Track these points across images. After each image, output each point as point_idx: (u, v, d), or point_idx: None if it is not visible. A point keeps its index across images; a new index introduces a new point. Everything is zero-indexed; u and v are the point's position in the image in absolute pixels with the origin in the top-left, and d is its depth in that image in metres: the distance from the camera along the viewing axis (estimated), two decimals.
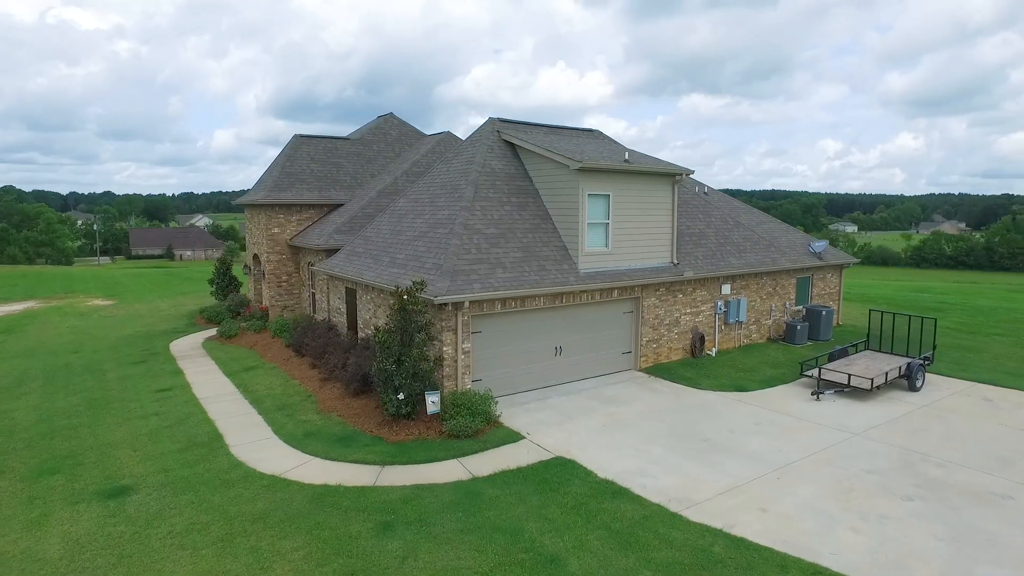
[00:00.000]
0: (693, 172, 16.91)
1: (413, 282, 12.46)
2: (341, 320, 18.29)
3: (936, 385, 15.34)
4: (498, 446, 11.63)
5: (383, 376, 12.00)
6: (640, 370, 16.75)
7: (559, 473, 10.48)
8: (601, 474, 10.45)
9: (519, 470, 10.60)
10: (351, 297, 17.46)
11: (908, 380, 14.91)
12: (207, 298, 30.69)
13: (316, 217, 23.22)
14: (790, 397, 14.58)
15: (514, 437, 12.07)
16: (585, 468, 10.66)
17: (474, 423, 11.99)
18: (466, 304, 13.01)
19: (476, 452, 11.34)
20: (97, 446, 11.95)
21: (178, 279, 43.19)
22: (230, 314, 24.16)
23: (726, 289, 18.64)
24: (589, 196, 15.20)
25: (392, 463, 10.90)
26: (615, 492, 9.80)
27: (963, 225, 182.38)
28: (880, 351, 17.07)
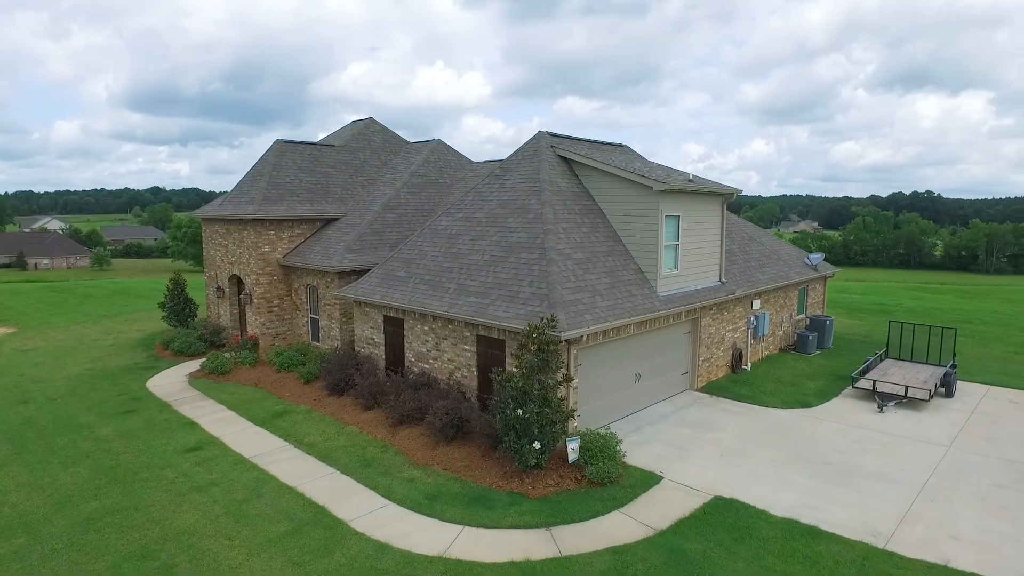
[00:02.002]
0: (742, 191, 17.20)
1: (544, 318, 11.38)
2: (375, 352, 16.48)
3: (961, 390, 16.80)
4: (645, 490, 10.96)
5: (521, 424, 10.82)
6: (697, 390, 16.74)
7: (733, 516, 10.06)
8: (773, 511, 10.18)
9: (693, 517, 10.04)
10: (394, 327, 15.76)
11: (945, 388, 16.19)
12: (152, 323, 26.54)
13: (308, 233, 20.84)
14: (856, 411, 15.24)
15: (651, 478, 11.45)
16: (753, 507, 10.33)
17: (613, 467, 11.21)
18: (583, 338, 12.16)
19: (630, 500, 10.60)
20: (170, 536, 9.65)
21: (75, 296, 36.95)
22: (204, 344, 20.99)
23: (756, 304, 19.20)
24: (666, 218, 14.89)
25: (556, 523, 9.86)
26: (806, 531, 9.56)
27: (816, 224, 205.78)
28: (899, 359, 18.45)
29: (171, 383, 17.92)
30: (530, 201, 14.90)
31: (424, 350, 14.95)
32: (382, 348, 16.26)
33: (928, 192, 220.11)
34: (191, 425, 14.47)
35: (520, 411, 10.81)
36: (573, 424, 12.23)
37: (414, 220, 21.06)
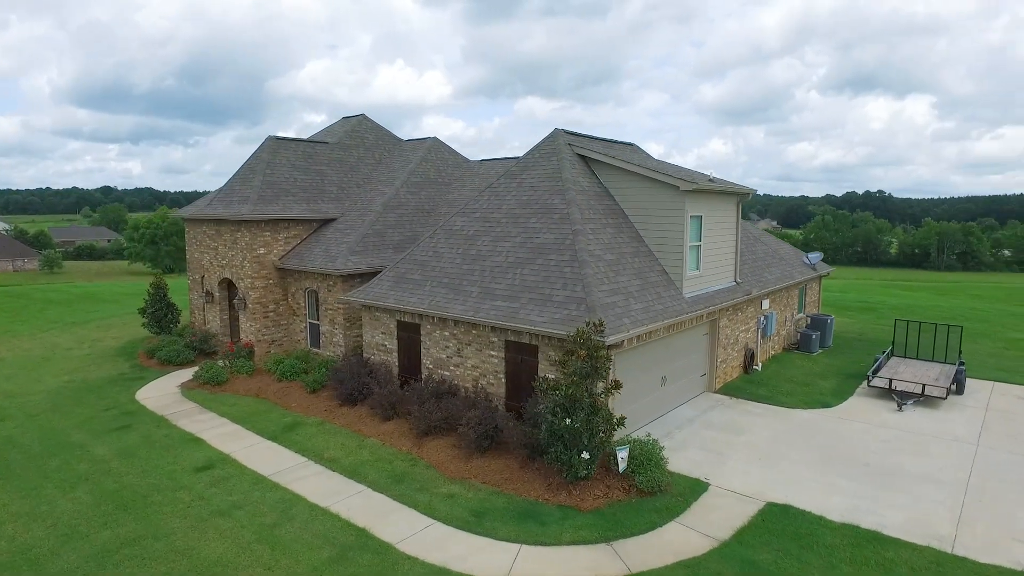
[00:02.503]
0: (757, 191, 17.12)
1: (590, 322, 10.92)
2: (387, 359, 15.74)
3: (968, 387, 17.08)
4: (695, 498, 10.64)
5: (570, 434, 10.33)
6: (715, 391, 16.58)
7: (791, 522, 9.82)
8: (830, 516, 9.99)
9: (752, 525, 9.76)
10: (409, 332, 15.07)
11: (957, 385, 16.44)
12: (129, 329, 24.98)
13: (304, 234, 19.89)
14: (876, 410, 15.29)
15: (697, 485, 11.14)
16: (808, 513, 10.11)
17: (661, 475, 10.85)
18: (624, 343, 11.76)
19: (684, 509, 10.26)
20: (201, 568, 8.82)
21: (36, 302, 34.64)
22: (193, 352, 19.79)
23: (765, 304, 19.21)
24: (690, 218, 14.64)
25: (616, 538, 9.43)
26: (869, 537, 9.38)
27: (775, 223, 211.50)
28: (905, 357, 18.71)
29: (163, 395, 16.77)
30: (553, 201, 14.43)
31: (444, 356, 14.32)
32: (395, 355, 15.54)
33: (880, 191, 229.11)
34: (195, 441, 13.49)
35: (568, 420, 10.34)
36: (621, 432, 11.81)
37: (415, 220, 20.35)
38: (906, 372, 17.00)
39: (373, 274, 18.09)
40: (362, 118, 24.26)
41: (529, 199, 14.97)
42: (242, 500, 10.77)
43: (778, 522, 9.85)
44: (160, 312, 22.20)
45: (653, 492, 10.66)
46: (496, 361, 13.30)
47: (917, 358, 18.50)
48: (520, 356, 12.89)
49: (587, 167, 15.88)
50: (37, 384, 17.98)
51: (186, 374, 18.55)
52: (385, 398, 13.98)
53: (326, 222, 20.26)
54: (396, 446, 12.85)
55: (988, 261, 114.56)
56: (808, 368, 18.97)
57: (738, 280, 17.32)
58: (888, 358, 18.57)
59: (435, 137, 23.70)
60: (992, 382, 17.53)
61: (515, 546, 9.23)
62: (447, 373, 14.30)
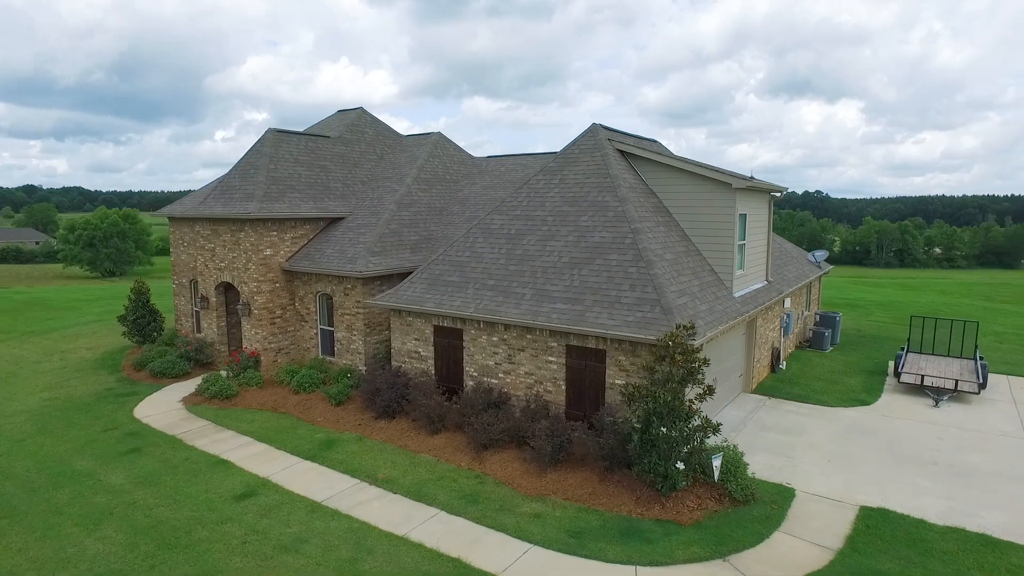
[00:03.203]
0: (789, 189, 17.02)
1: (681, 325, 10.33)
2: (421, 367, 14.72)
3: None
4: (787, 505, 10.24)
5: (666, 443, 9.72)
6: (751, 392, 16.38)
7: (896, 527, 9.54)
8: (930, 519, 9.78)
9: (858, 532, 9.42)
10: (448, 338, 14.12)
11: (983, 380, 16.80)
12: (102, 338, 22.72)
13: (311, 234, 18.54)
14: (912, 406, 15.39)
15: (783, 491, 10.74)
16: (908, 516, 9.87)
17: (750, 483, 10.40)
18: (701, 346, 11.24)
19: (783, 518, 9.84)
20: None
21: None
22: (189, 363, 18.08)
23: (787, 303, 19.21)
24: (738, 216, 14.33)
25: (729, 552, 8.89)
26: (983, 541, 9.18)
27: None
28: (920, 353, 19.08)
29: (166, 412, 15.16)
30: (604, 198, 13.80)
31: (492, 363, 13.46)
32: (430, 362, 14.55)
33: (817, 191, 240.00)
34: (222, 464, 12.14)
35: (664, 429, 9.74)
36: (715, 439, 11.29)
37: (429, 219, 19.33)
38: (928, 368, 17.27)
39: (393, 276, 17.01)
40: (360, 112, 22.96)
41: (576, 196, 14.28)
42: (304, 532, 9.63)
43: (882, 527, 9.55)
44: (143, 319, 20.28)
45: (746, 501, 10.19)
46: (555, 367, 12.56)
47: (933, 353, 18.89)
48: (584, 362, 12.20)
49: (627, 163, 15.34)
50: (11, 403, 15.96)
51: (185, 387, 16.92)
52: (432, 410, 12.99)
53: (333, 221, 18.95)
54: (453, 462, 11.92)
55: (921, 258, 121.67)
56: (828, 365, 19.08)
57: (769, 279, 17.19)
58: (906, 354, 18.88)
59: (439, 132, 22.66)
60: (1005, 376, 18.04)
61: (630, 568, 8.55)
62: (495, 381, 13.45)
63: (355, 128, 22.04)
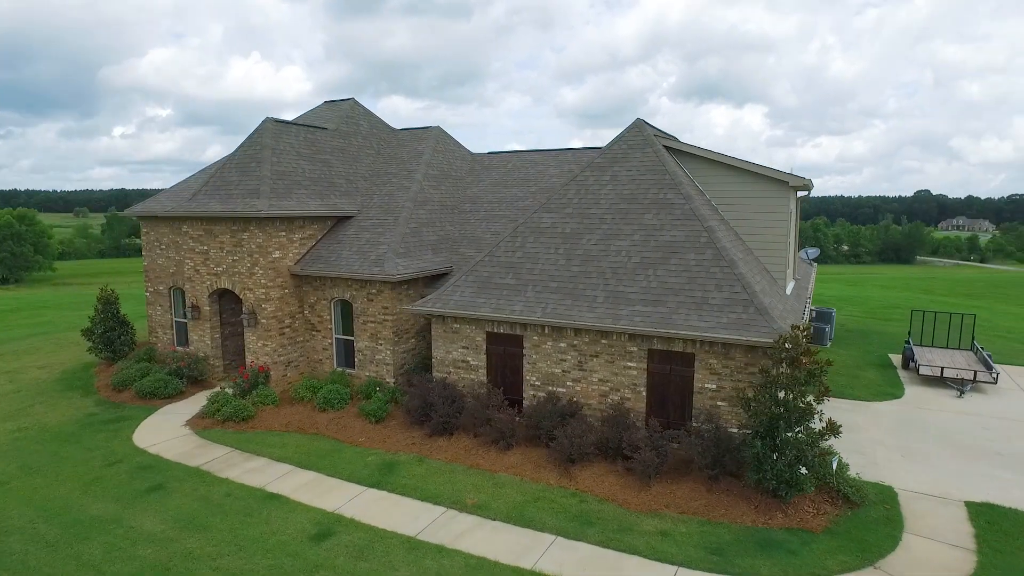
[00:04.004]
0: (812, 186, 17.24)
1: (796, 327, 9.94)
2: (470, 377, 13.63)
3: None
4: (896, 505, 10.09)
5: (792, 448, 9.30)
6: None
7: (1014, 526, 9.59)
8: None
9: (983, 532, 9.36)
10: (504, 346, 13.13)
11: (989, 371, 17.73)
12: (53, 355, 19.67)
13: (319, 234, 16.89)
14: (942, 397, 15.94)
15: (883, 490, 10.60)
16: (1016, 510, 9.97)
17: (860, 484, 10.22)
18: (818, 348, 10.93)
19: (901, 520, 9.68)
20: None
21: None
22: (182, 380, 15.91)
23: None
24: (790, 214, 14.27)
25: (876, 559, 8.60)
26: None
27: None
28: (921, 345, 19.97)
29: (174, 439, 13.19)
30: (667, 195, 13.28)
31: (559, 371, 12.61)
32: (482, 372, 13.50)
33: None
34: (274, 499, 10.59)
35: (790, 434, 9.33)
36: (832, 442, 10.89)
37: (443, 218, 18.14)
38: (936, 360, 18.06)
39: (418, 280, 15.75)
40: (353, 103, 21.28)
41: (633, 193, 13.68)
42: (408, 571, 8.43)
43: (1004, 524, 9.57)
44: (112, 332, 17.76)
45: (860, 503, 9.97)
46: (635, 373, 11.91)
47: (933, 346, 19.82)
48: (668, 366, 11.63)
49: (674, 159, 14.92)
50: None
51: (183, 409, 14.87)
52: (504, 424, 11.97)
53: (340, 220, 17.37)
54: (540, 480, 10.99)
55: (831, 255, 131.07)
56: (837, 360, 19.54)
57: (797, 277, 17.37)
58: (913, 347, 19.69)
59: (438, 127, 21.40)
60: (1002, 365, 19.19)
61: None
62: (562, 390, 12.61)
63: (350, 120, 20.39)
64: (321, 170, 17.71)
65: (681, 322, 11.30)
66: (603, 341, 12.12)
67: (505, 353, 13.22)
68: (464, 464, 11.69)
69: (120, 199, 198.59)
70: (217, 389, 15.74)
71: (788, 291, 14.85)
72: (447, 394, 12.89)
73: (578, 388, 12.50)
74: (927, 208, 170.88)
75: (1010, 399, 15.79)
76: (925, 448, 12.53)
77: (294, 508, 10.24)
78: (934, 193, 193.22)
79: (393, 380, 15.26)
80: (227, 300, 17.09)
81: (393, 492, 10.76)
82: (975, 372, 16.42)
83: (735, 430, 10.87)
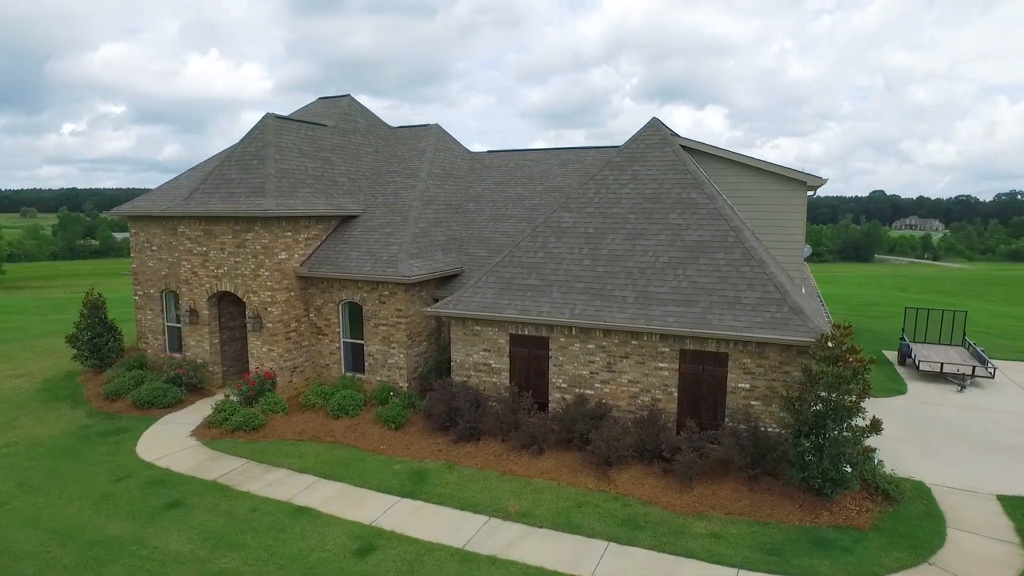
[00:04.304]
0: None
1: (838, 325, 9.97)
2: (492, 381, 13.33)
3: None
4: (931, 500, 10.23)
5: (837, 447, 9.33)
6: None
7: None
8: None
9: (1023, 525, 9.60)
10: (529, 348, 12.87)
11: (985, 366, 18.29)
12: (26, 364, 18.45)
13: (323, 234, 16.32)
14: (944, 392, 16.35)
15: (916, 485, 10.72)
16: None
17: (897, 480, 10.34)
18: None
19: (941, 515, 9.79)
20: None
21: None
22: (181, 388, 15.12)
23: None
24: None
25: (928, 555, 8.67)
26: None
27: None
28: (914, 342, 20.53)
29: (181, 451, 12.50)
30: (690, 195, 13.23)
31: (587, 373, 12.43)
32: (504, 375, 13.21)
33: None
34: (304, 513, 10.09)
35: (837, 432, 9.37)
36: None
37: (450, 217, 17.78)
38: (931, 356, 18.56)
39: (430, 282, 15.36)
40: (350, 99, 20.67)
41: (655, 192, 13.60)
42: None
43: None
44: (100, 338, 16.79)
45: (899, 499, 10.07)
46: (666, 374, 11.81)
47: (926, 342, 20.39)
48: (700, 366, 11.57)
49: (691, 159, 14.92)
50: None
51: (185, 418, 14.14)
52: (536, 428, 11.71)
53: (345, 220, 16.82)
54: (578, 484, 10.77)
55: None
56: None
57: (804, 276, 17.61)
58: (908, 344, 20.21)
59: (437, 125, 20.99)
60: (994, 360, 19.84)
61: None
62: (590, 392, 12.43)
63: (348, 117, 19.80)
64: (323, 168, 17.12)
65: (717, 322, 11.25)
66: (633, 342, 11.99)
67: (530, 355, 12.96)
68: (497, 470, 11.38)
69: (71, 198, 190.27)
70: (221, 397, 15.06)
71: (802, 291, 15.01)
72: (471, 398, 12.56)
73: (607, 390, 12.34)
74: (882, 208, 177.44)
75: (1008, 393, 16.31)
76: (942, 443, 12.79)
77: (328, 522, 9.78)
78: (888, 193, 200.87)
79: (406, 385, 14.83)
80: (225, 303, 16.36)
81: (428, 502, 10.39)
82: (974, 367, 16.91)
83: (771, 429, 10.89)
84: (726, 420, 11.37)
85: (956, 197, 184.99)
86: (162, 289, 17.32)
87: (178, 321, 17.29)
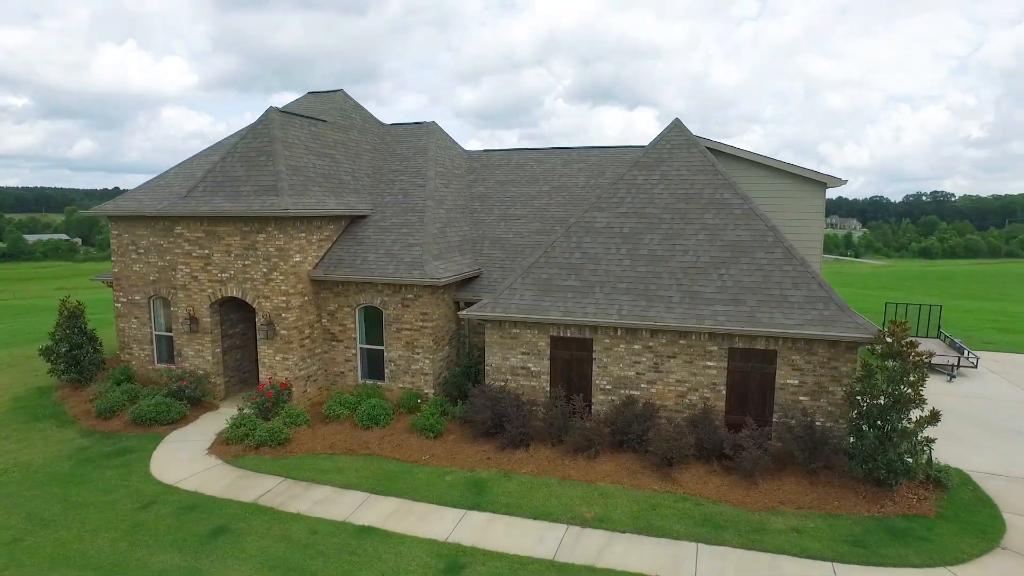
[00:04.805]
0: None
1: (894, 321, 10.32)
2: (530, 384, 13.04)
3: None
4: (976, 486, 10.79)
5: (902, 437, 9.70)
6: None
7: None
8: None
9: None
10: (571, 350, 12.68)
11: (966, 357, 19.52)
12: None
13: (334, 235, 15.52)
14: (935, 382, 16.96)
15: (957, 474, 11.28)
16: None
17: (946, 467, 10.85)
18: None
19: (992, 500, 10.34)
20: None
21: None
22: (184, 402, 13.91)
23: None
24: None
25: (997, 539, 9.10)
26: None
27: None
28: None
29: (202, 471, 11.50)
30: (723, 195, 13.42)
31: (633, 374, 12.37)
32: (544, 378, 12.96)
33: None
34: (370, 532, 9.48)
35: (903, 423, 9.74)
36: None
37: (460, 217, 17.33)
38: (924, 349, 19.67)
39: (451, 285, 14.88)
40: (343, 95, 19.74)
41: (688, 193, 13.71)
42: None
43: None
44: (80, 350, 15.25)
45: (949, 486, 10.56)
46: (714, 372, 11.93)
47: None
48: (749, 364, 11.75)
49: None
50: None
51: (194, 435, 13.05)
52: (591, 431, 11.53)
53: (354, 220, 16.05)
54: (643, 486, 10.68)
55: None
56: None
57: None
58: None
59: (434, 122, 20.41)
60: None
61: (943, 570, 8.35)
62: (636, 392, 12.39)
63: (344, 113, 18.92)
64: (329, 166, 16.26)
65: (768, 320, 11.46)
66: (681, 341, 12.04)
67: (572, 358, 12.77)
68: (555, 476, 11.13)
69: None
70: (226, 411, 14.04)
71: None
72: (514, 403, 12.24)
73: (653, 390, 12.33)
74: None
75: (992, 381, 17.52)
76: (958, 429, 13.51)
77: (400, 540, 9.23)
78: None
79: (432, 391, 14.30)
80: (225, 310, 15.24)
81: (497, 513, 10.01)
82: (959, 358, 18.06)
83: (818, 423, 11.20)
84: (775, 416, 11.61)
85: (871, 198, 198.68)
86: (150, 295, 15.93)
87: (167, 330, 15.97)
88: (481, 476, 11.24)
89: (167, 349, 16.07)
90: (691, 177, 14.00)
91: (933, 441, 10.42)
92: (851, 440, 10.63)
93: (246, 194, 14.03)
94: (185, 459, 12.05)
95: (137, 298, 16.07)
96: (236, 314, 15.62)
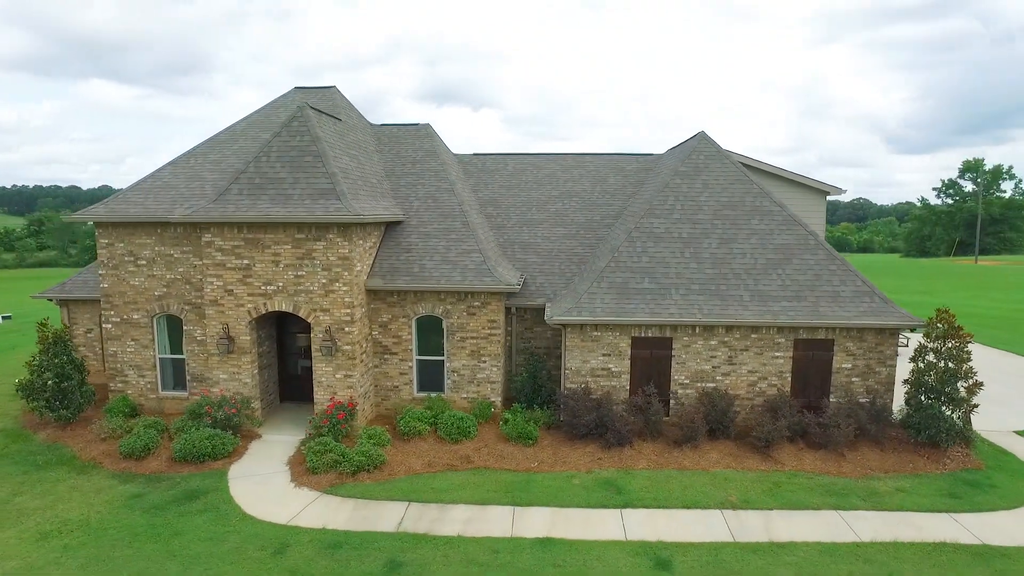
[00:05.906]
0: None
1: (940, 310, 12.37)
2: (610, 384, 13.47)
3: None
4: (994, 443, 13.20)
5: (956, 404, 11.80)
6: None
7: None
8: None
9: None
10: (651, 349, 13.33)
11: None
12: None
13: (378, 242, 14.62)
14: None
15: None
16: None
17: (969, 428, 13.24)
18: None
19: (1008, 452, 12.80)
20: None
21: None
22: (231, 432, 12.18)
23: None
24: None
25: None
26: None
27: None
28: None
29: (308, 505, 10.36)
30: (762, 203, 14.92)
31: (709, 367, 13.36)
32: (624, 378, 13.48)
33: None
34: (552, 543, 9.33)
35: (958, 394, 11.84)
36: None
37: (483, 221, 17.15)
38: None
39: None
40: (336, 91, 18.38)
41: (730, 201, 15.03)
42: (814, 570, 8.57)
43: None
44: (70, 382, 12.67)
45: (974, 442, 12.87)
46: (781, 361, 13.32)
47: None
48: (810, 352, 13.31)
49: None
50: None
51: (256, 468, 11.65)
52: (689, 425, 12.31)
53: (392, 225, 15.21)
54: (752, 467, 11.69)
55: None
56: None
57: None
58: None
59: (429, 124, 19.80)
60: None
61: None
62: (711, 384, 13.40)
63: (343, 112, 17.69)
64: (359, 168, 15.23)
65: (829, 313, 13.09)
66: (753, 335, 13.28)
67: (652, 356, 13.44)
68: (673, 468, 11.73)
69: None
70: (285, 438, 12.73)
71: None
72: (607, 403, 12.64)
73: (727, 381, 13.44)
74: None
75: None
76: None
77: (587, 547, 9.23)
78: None
79: (499, 399, 14.11)
80: (252, 327, 13.64)
81: (649, 507, 10.38)
82: (907, 339, 21.60)
83: (863, 399, 13.09)
84: (832, 397, 13.31)
85: None
86: (154, 313, 13.70)
87: (175, 352, 13.88)
88: (606, 476, 11.49)
89: (176, 374, 13.94)
90: (729, 187, 15.38)
91: (977, 407, 12.70)
92: (904, 411, 12.62)
93: (297, 198, 12.74)
94: (276, 495, 10.72)
95: (136, 317, 13.72)
96: (263, 331, 14.03)
